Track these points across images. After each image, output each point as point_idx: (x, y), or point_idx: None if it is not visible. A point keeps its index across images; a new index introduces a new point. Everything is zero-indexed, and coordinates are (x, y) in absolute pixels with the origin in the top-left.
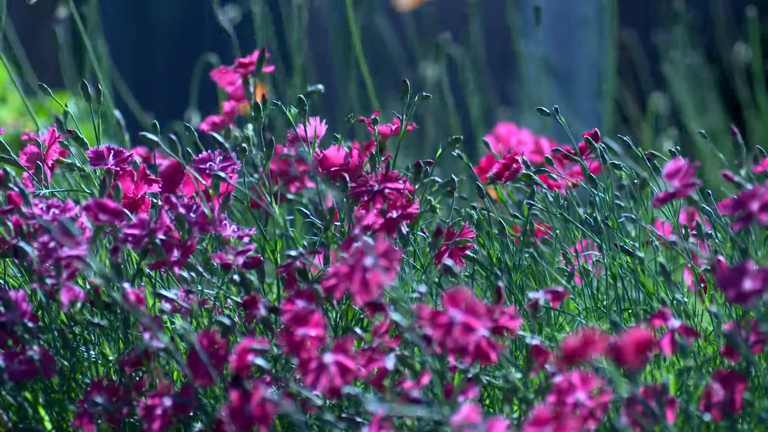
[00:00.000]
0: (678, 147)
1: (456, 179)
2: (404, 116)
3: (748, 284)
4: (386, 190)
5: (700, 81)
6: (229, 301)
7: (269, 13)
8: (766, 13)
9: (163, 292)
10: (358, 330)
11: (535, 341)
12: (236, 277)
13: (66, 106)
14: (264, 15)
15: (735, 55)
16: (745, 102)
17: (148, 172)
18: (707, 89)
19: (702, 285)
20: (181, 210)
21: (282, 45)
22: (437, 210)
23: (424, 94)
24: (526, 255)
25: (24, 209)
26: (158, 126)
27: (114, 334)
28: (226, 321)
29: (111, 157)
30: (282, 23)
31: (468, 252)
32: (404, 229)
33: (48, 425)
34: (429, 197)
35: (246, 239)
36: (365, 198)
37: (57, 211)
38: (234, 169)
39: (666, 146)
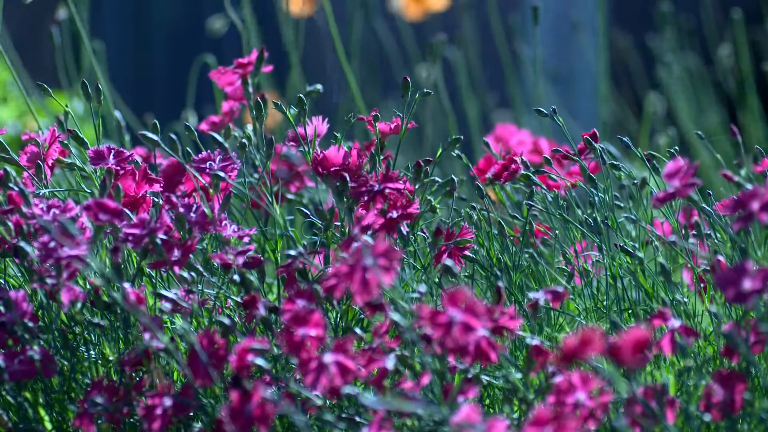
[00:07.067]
0: (675, 147)
1: (456, 179)
2: (405, 114)
3: (747, 284)
4: (386, 190)
5: (695, 83)
6: (229, 301)
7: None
8: (760, 16)
9: (164, 292)
10: (358, 330)
11: (535, 341)
12: (236, 277)
13: (67, 106)
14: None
15: (718, 57)
16: (739, 103)
17: (149, 171)
18: (703, 91)
19: (702, 285)
20: (182, 210)
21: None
22: (437, 210)
23: (424, 90)
24: (526, 255)
25: (24, 209)
26: (158, 126)
27: (114, 334)
28: (226, 321)
29: (111, 157)
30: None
31: (467, 252)
32: (404, 229)
33: (48, 425)
34: (429, 197)
35: (246, 239)
36: (365, 198)
37: (57, 211)
38: (234, 168)
39: (663, 146)
